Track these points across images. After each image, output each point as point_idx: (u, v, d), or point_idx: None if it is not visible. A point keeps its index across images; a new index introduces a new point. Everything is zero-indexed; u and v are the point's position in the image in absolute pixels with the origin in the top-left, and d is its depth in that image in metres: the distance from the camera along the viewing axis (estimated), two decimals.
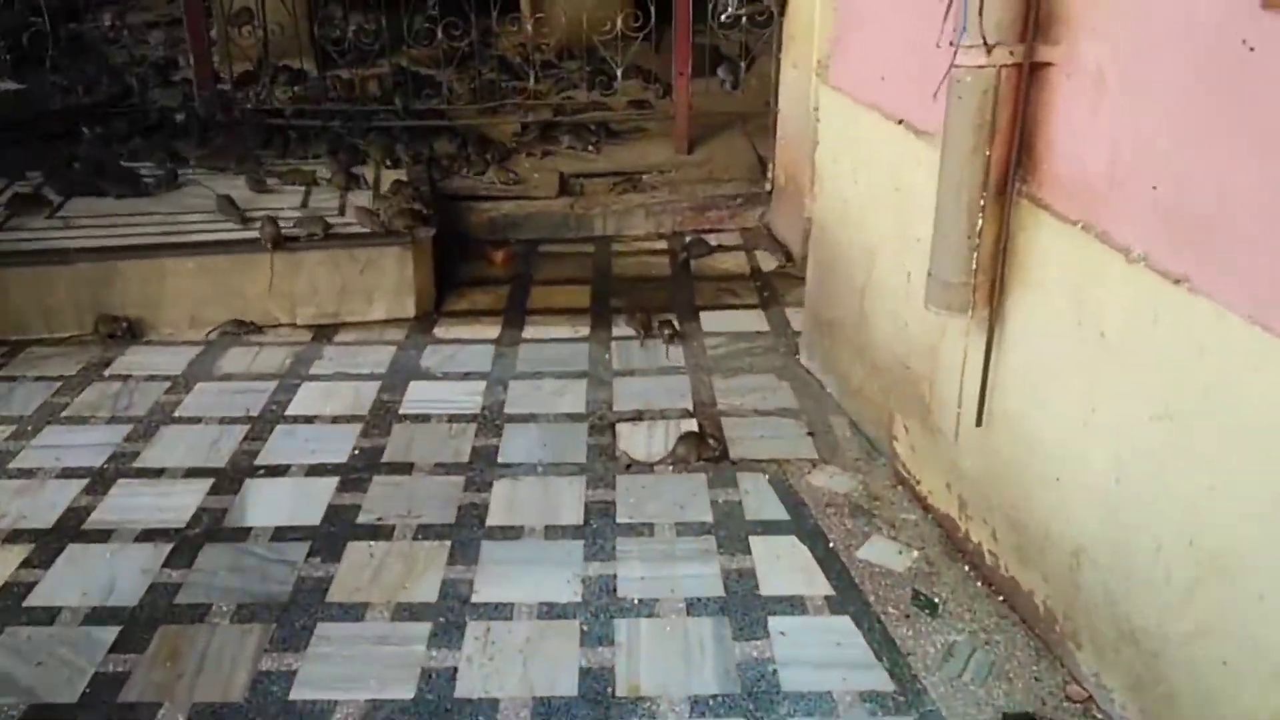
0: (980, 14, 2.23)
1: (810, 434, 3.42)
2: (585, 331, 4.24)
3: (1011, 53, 2.27)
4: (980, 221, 2.38)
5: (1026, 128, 2.35)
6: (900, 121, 2.98)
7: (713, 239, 5.11)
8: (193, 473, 3.26)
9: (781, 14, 4.81)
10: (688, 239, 5.09)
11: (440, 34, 5.57)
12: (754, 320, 4.28)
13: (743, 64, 5.71)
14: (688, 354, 4.01)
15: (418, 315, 4.39)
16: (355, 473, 3.25)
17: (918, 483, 3.03)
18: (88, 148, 5.22)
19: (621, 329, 4.23)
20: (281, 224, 4.26)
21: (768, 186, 5.17)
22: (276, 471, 3.26)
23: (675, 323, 4.18)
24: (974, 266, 2.42)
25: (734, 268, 4.84)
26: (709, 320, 4.28)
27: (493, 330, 4.27)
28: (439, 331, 4.27)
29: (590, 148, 5.68)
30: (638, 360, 3.98)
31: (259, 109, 5.65)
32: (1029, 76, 2.30)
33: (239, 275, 4.24)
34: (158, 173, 4.89)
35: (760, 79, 5.94)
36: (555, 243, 5.21)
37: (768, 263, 4.86)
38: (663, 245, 5.15)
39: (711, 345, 4.07)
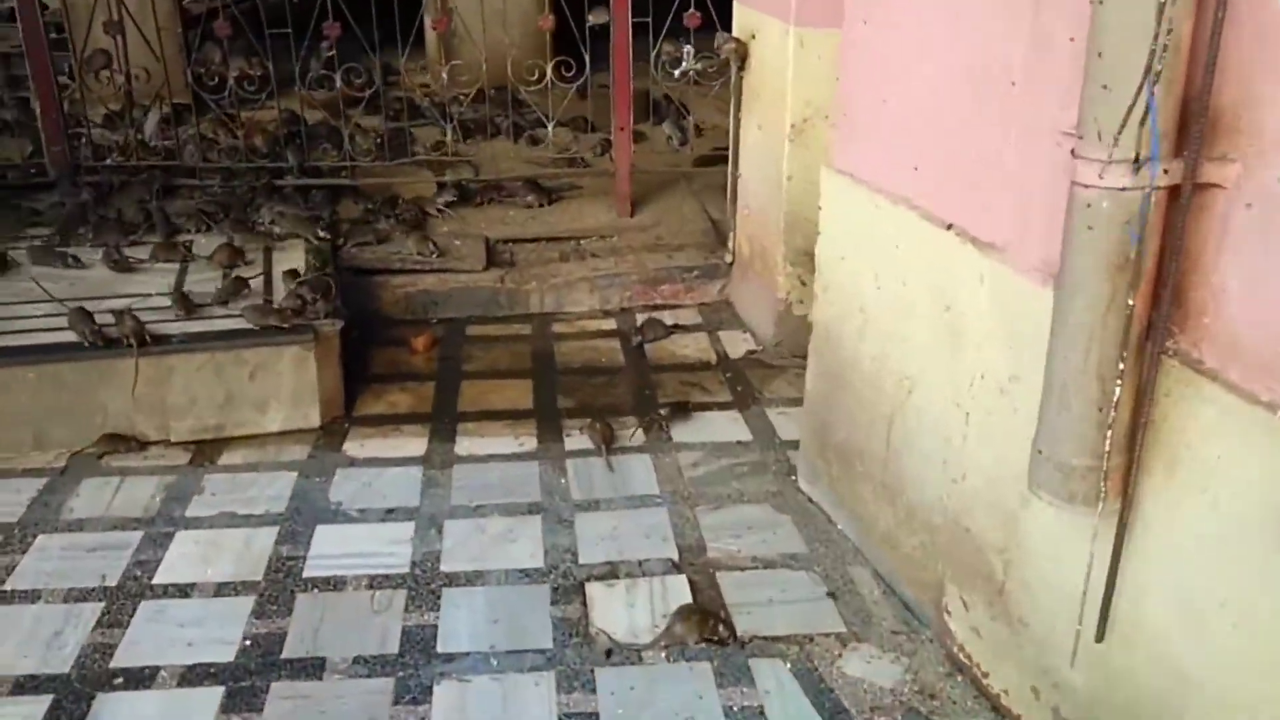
0: (1128, 121, 1.59)
1: (831, 595, 2.75)
2: (532, 444, 3.51)
3: (1167, 171, 1.64)
4: (1118, 390, 1.75)
5: (1181, 269, 1.72)
6: (950, 227, 2.35)
7: (668, 317, 4.43)
8: (24, 685, 2.42)
9: (741, 68, 4.16)
10: (640, 319, 4.39)
11: (339, 79, 4.80)
12: (732, 426, 3.60)
13: (690, 118, 5.07)
14: (660, 474, 3.31)
15: (324, 425, 3.61)
16: (247, 677, 2.45)
17: (984, 675, 2.38)
18: None
19: (576, 440, 3.51)
20: (149, 315, 3.44)
21: (728, 258, 4.51)
22: (139, 680, 2.44)
23: (663, 413, 3.55)
24: (1106, 447, 1.78)
25: (697, 354, 4.16)
26: (679, 427, 3.58)
27: (418, 443, 3.51)
28: (351, 447, 3.49)
29: (532, 204, 4.98)
30: (601, 485, 3.26)
31: (123, 165, 4.79)
32: (1189, 203, 1.67)
33: (95, 384, 3.39)
34: None
35: (709, 132, 5.33)
36: (485, 322, 4.47)
37: (735, 347, 4.20)
38: (611, 325, 4.45)
39: (688, 461, 3.37)
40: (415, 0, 5.12)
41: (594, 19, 4.73)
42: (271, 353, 3.53)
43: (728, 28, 4.26)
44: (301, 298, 3.61)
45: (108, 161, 4.83)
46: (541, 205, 5.02)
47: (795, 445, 3.32)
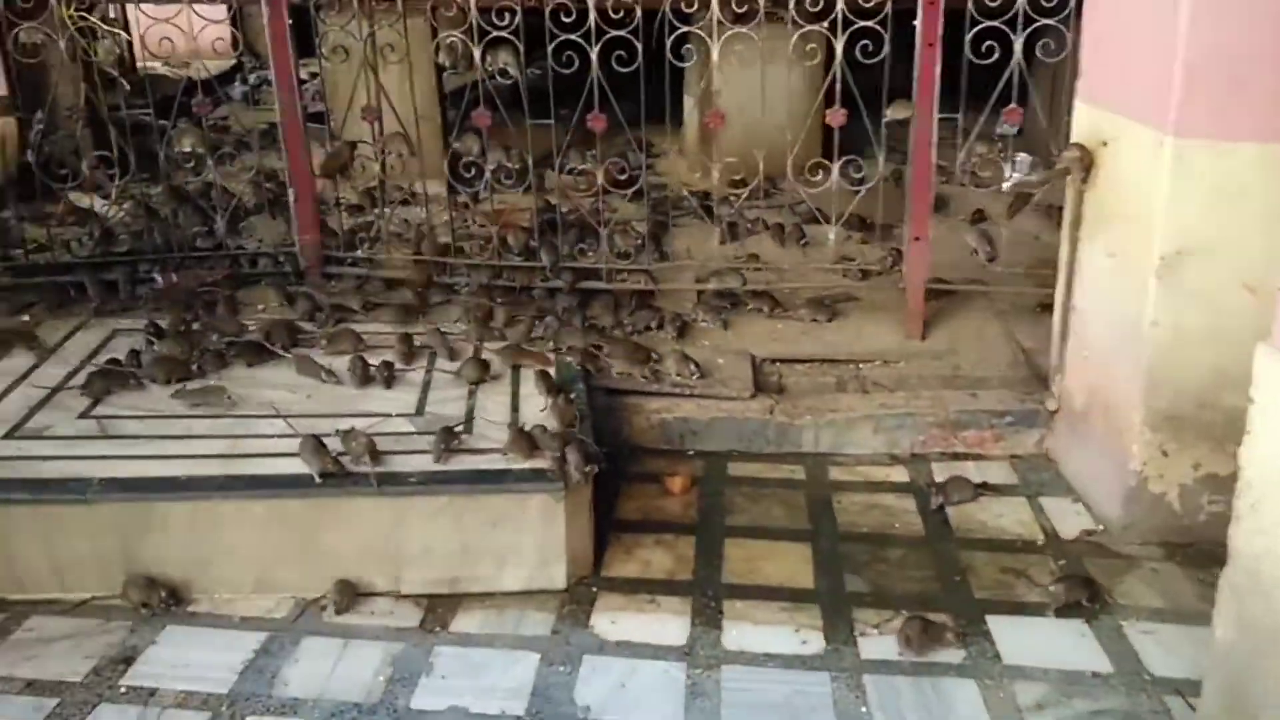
0: None
1: None
2: (817, 641, 2.84)
3: None
4: None
5: None
6: None
7: (972, 470, 3.68)
8: None
9: (1084, 180, 3.41)
10: (936, 470, 3.68)
11: (599, 171, 4.35)
12: (1079, 644, 2.81)
13: (1002, 230, 4.33)
14: (992, 712, 2.57)
15: (570, 587, 3.07)
16: None
17: None
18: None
19: (874, 644, 2.82)
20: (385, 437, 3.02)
21: (1051, 405, 3.73)
22: None
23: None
24: None
25: (1016, 527, 3.39)
26: (1007, 635, 2.84)
27: (678, 626, 2.91)
28: (601, 623, 2.93)
29: (805, 317, 4.38)
30: (914, 717, 2.56)
31: (372, 258, 4.50)
32: None
33: (326, 524, 2.98)
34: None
35: (1015, 242, 4.56)
36: (750, 459, 3.86)
37: (1065, 522, 3.41)
38: (901, 475, 3.75)
39: (1028, 698, 2.61)
40: (677, 75, 4.57)
41: (893, 114, 4.10)
42: (516, 501, 3.03)
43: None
44: (576, 444, 3.12)
45: (359, 252, 4.54)
46: (817, 320, 4.38)
47: (1174, 687, 2.53)
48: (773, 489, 3.67)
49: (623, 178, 4.49)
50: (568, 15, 3.98)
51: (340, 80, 5.06)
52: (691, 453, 3.90)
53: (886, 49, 3.95)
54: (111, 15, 6.33)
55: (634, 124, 4.39)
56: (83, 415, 3.31)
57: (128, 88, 4.36)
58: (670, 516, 3.50)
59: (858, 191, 4.25)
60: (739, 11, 4.02)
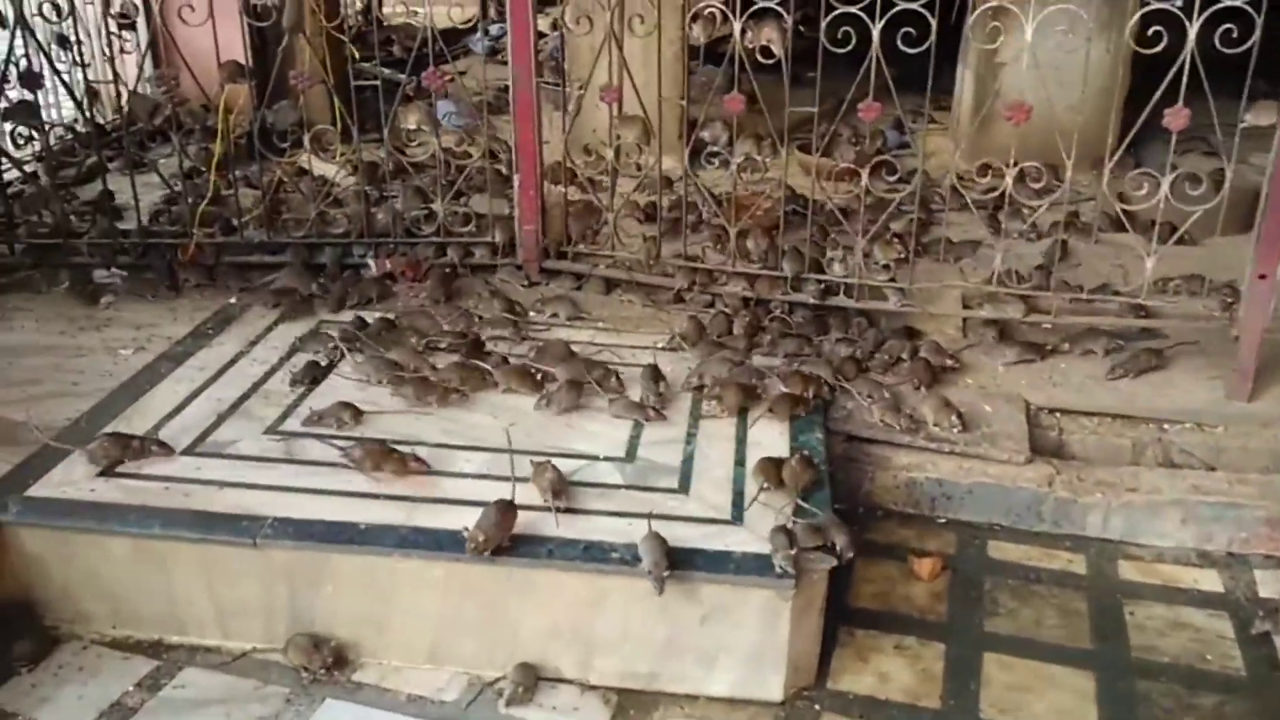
0: None
1: None
2: None
3: None
4: None
5: None
6: None
7: None
8: None
9: None
10: (1264, 591, 2.91)
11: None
12: None
13: None
14: None
15: (787, 699, 2.55)
16: None
17: None
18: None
19: None
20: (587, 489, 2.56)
21: None
22: None
23: None
24: None
25: None
26: None
27: None
28: None
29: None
30: None
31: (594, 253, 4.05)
32: None
33: (511, 596, 2.57)
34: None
35: None
36: (1018, 538, 3.20)
37: None
38: (1214, 583, 3.00)
39: None
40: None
41: (1255, 119, 3.25)
42: (734, 594, 2.51)
43: None
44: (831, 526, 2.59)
45: (581, 247, 4.10)
46: (1119, 374, 3.59)
47: None
48: (1046, 585, 3.00)
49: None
50: None
51: (581, 45, 4.63)
52: (943, 521, 3.27)
53: (1257, 32, 3.10)
54: None
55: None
56: (270, 430, 3.03)
57: (355, 56, 4.01)
58: (916, 609, 2.91)
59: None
60: None
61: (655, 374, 3.26)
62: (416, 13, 4.17)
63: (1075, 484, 3.22)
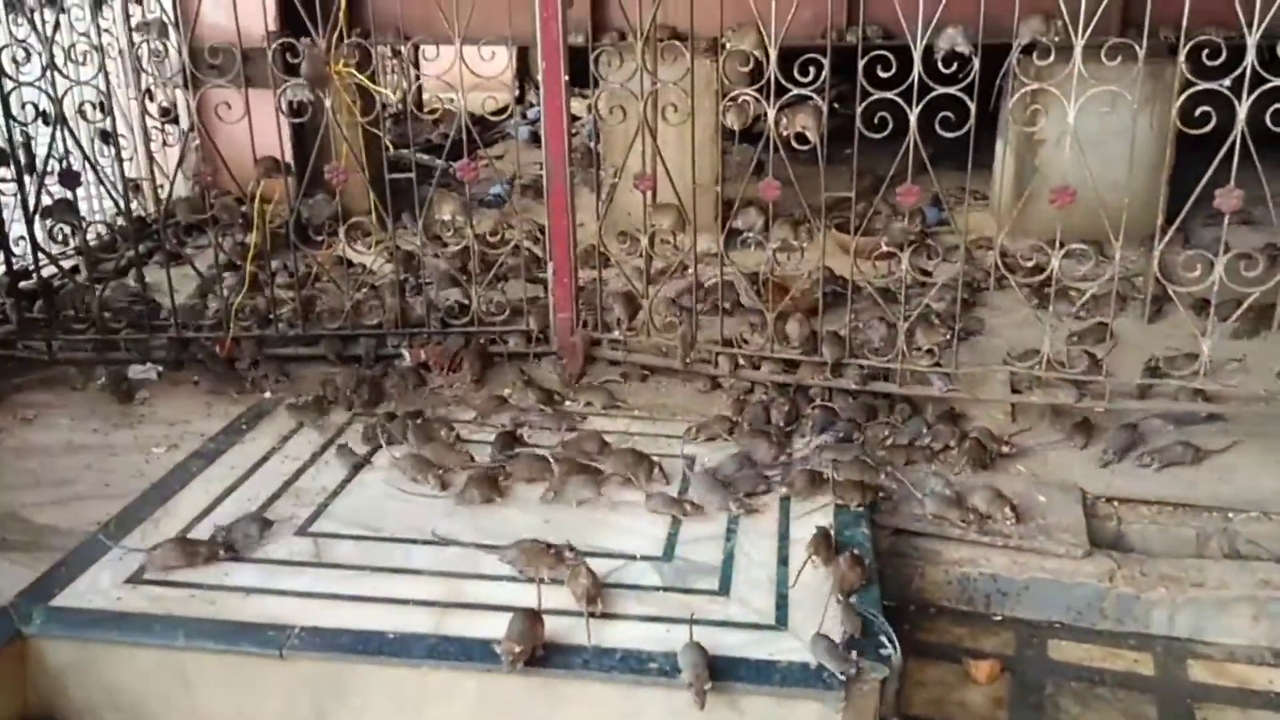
0: None
1: None
2: None
3: None
4: None
5: None
6: None
7: None
8: None
9: None
10: None
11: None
12: None
13: None
14: None
15: None
16: None
17: None
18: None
19: None
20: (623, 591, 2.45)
21: None
22: None
23: None
24: None
25: None
26: None
27: None
28: None
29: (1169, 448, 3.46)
30: None
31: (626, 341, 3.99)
32: None
33: (549, 710, 2.45)
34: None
35: None
36: (1078, 637, 3.04)
37: None
38: None
39: None
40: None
41: None
42: (780, 707, 2.38)
43: None
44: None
45: (616, 334, 4.04)
46: (1195, 456, 3.44)
47: None
48: (1111, 687, 2.84)
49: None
50: (886, 69, 3.31)
51: (615, 130, 4.62)
52: (999, 618, 3.11)
53: None
54: (397, 53, 6.28)
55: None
56: (300, 531, 2.96)
57: (391, 148, 4.03)
58: (974, 715, 2.75)
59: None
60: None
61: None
62: (452, 100, 4.19)
63: (1138, 579, 3.06)
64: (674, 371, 3.95)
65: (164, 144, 4.98)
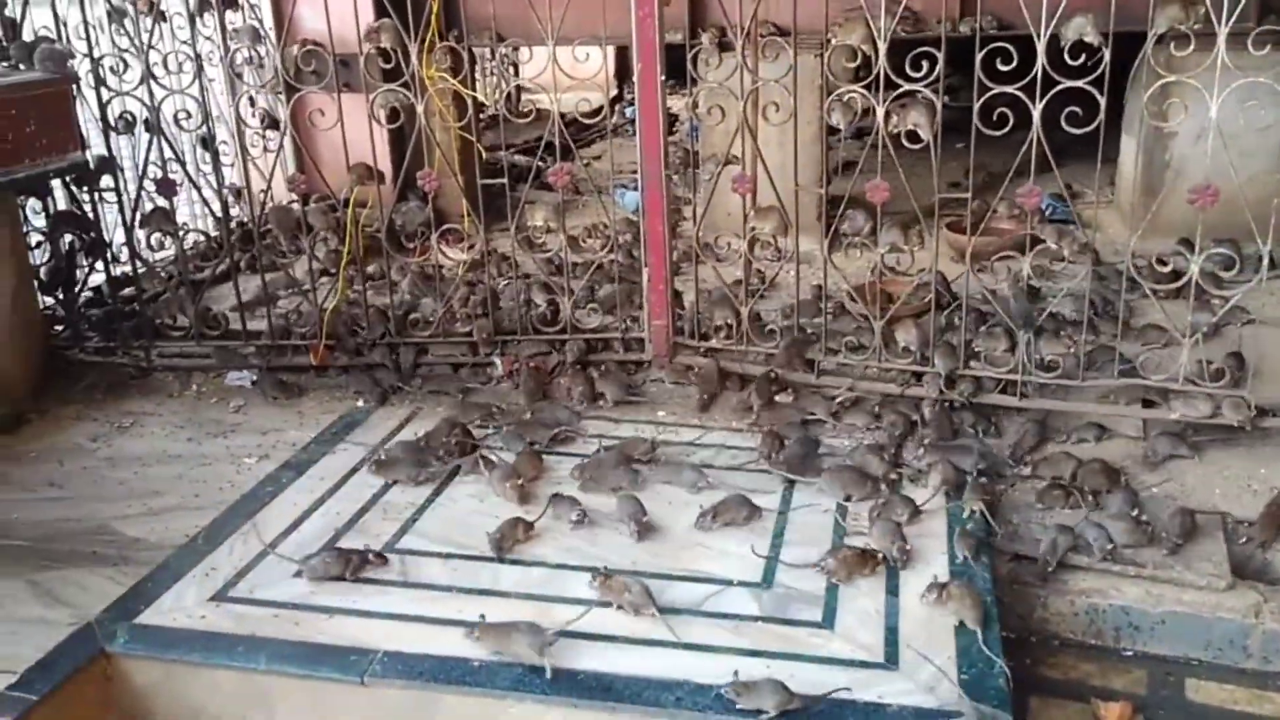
0: None
1: None
2: None
3: None
4: None
5: None
6: None
7: None
8: None
9: None
10: None
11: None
12: None
13: None
14: None
15: None
16: None
17: None
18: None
19: None
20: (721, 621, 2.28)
21: None
22: None
23: None
24: None
25: None
26: None
27: None
28: None
29: None
30: None
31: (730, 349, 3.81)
32: None
33: None
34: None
35: None
36: (1220, 676, 2.76)
37: None
38: None
39: None
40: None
41: None
42: None
43: None
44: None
45: (713, 342, 3.88)
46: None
47: None
48: None
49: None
50: (1007, 62, 3.08)
51: (715, 129, 4.45)
52: (1130, 654, 2.86)
53: None
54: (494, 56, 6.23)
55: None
56: (387, 548, 2.87)
57: (483, 154, 3.95)
58: None
59: None
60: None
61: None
62: (544, 101, 4.09)
63: None
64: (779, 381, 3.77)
65: (264, 149, 4.99)
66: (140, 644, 2.50)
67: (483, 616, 2.48)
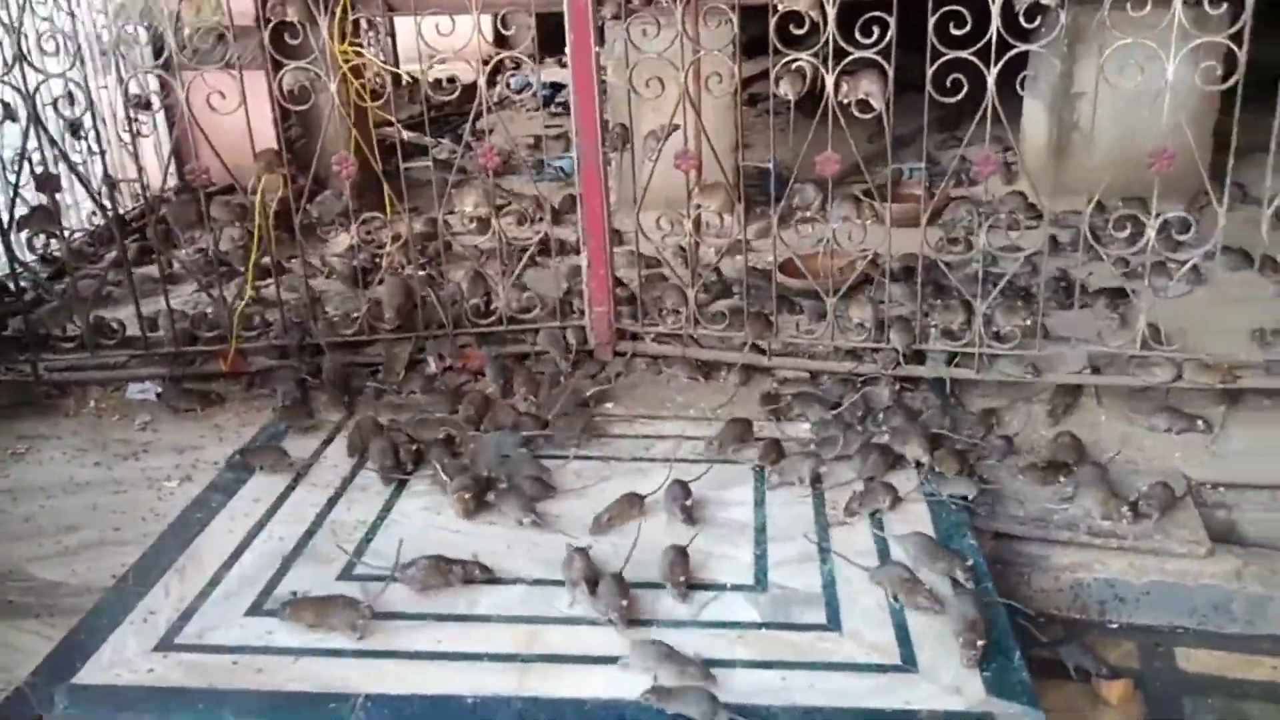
0: None
1: None
2: None
3: None
4: None
5: None
6: None
7: None
8: None
9: None
10: None
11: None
12: None
13: None
14: None
15: None
16: None
17: None
18: None
19: None
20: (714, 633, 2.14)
21: None
22: None
23: None
24: None
25: None
26: None
27: None
28: None
29: None
30: None
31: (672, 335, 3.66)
32: None
33: None
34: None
35: None
36: (1208, 643, 2.77)
37: None
38: None
39: None
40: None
41: None
42: None
43: None
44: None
45: (661, 327, 3.70)
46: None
47: None
48: (1260, 702, 2.57)
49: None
50: (960, 25, 2.98)
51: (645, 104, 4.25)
52: (1115, 626, 2.84)
53: None
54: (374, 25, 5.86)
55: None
56: (344, 575, 2.62)
57: (405, 138, 3.66)
58: None
59: None
60: None
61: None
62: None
63: (1269, 576, 2.79)
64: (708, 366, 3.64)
65: (137, 134, 4.56)
66: (83, 707, 2.20)
67: (294, 594, 2.44)
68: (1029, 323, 3.39)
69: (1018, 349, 3.39)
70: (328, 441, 3.28)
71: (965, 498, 2.87)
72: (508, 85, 8.23)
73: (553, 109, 7.61)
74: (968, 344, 3.39)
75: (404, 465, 3.04)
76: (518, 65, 5.35)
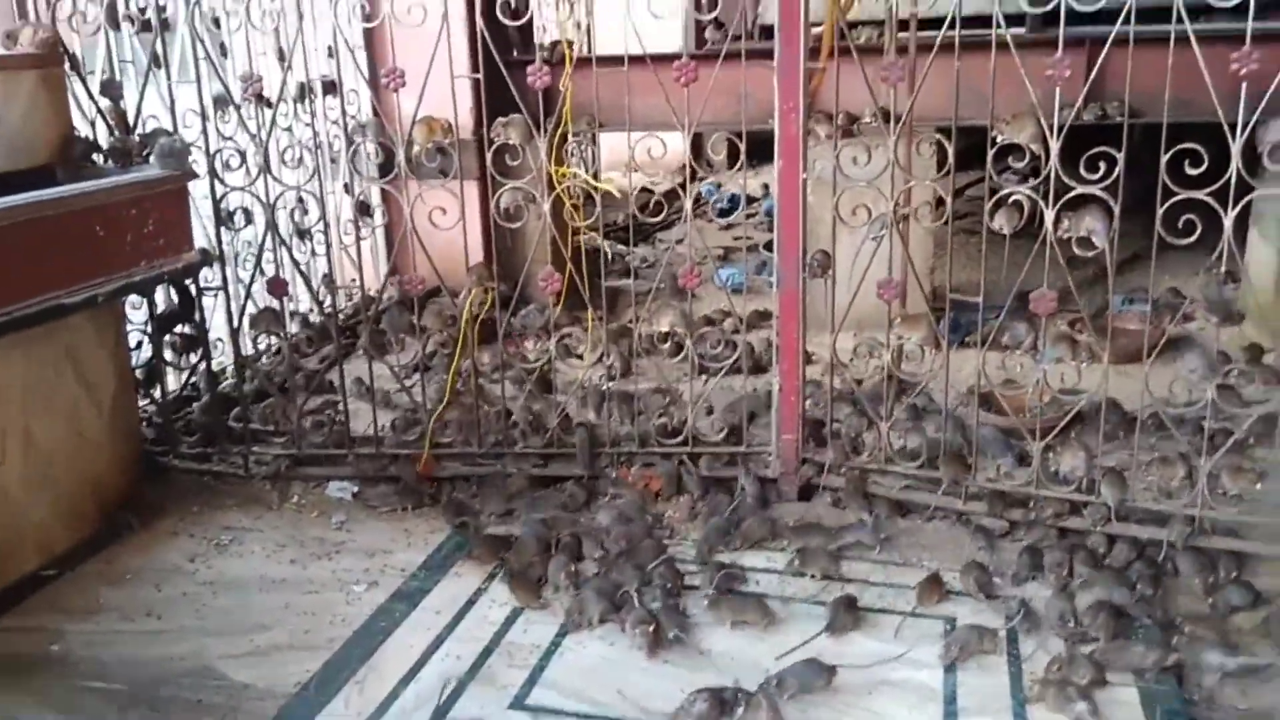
0: None
1: None
2: None
3: None
4: None
5: None
6: None
7: None
8: None
9: None
10: None
11: None
12: None
13: None
14: None
15: None
16: None
17: None
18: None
19: None
20: None
21: None
22: None
23: None
24: None
25: None
26: None
27: None
28: None
29: None
30: None
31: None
32: None
33: None
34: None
35: None
36: None
37: None
38: None
39: None
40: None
41: None
42: None
43: None
44: None
45: (857, 461, 3.57)
46: None
47: None
48: None
49: None
50: (1196, 164, 2.81)
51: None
52: None
53: None
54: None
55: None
56: (515, 705, 2.58)
57: (609, 256, 3.72)
58: None
59: None
60: None
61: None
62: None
63: None
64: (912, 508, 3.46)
65: (358, 240, 4.82)
66: None
67: None
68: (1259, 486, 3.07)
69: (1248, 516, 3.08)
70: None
71: None
72: (698, 196, 8.33)
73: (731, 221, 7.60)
74: (1189, 505, 3.10)
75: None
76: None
